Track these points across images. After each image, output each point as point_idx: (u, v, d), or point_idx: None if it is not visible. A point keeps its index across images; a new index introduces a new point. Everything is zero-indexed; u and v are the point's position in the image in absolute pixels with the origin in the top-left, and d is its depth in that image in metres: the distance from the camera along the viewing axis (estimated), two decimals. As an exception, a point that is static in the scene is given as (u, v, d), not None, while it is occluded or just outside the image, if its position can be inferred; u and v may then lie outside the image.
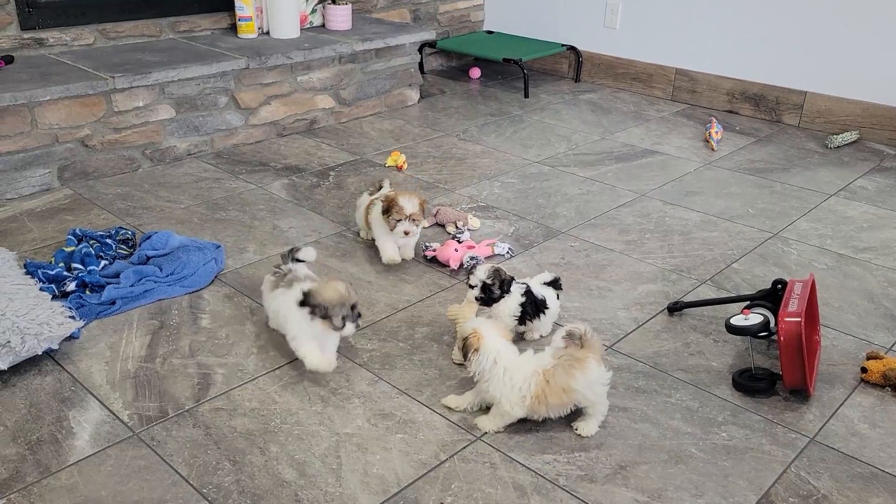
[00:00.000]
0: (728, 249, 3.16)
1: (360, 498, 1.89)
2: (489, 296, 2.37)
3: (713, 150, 4.26)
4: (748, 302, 2.49)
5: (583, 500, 1.89)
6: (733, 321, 2.31)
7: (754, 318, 2.29)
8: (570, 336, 2.06)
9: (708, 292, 2.84)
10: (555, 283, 2.56)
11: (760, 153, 4.24)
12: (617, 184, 3.80)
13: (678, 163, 4.09)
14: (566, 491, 1.92)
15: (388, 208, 2.77)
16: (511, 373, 2.05)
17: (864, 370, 2.34)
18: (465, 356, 2.10)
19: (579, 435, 2.10)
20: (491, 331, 2.11)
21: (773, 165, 4.07)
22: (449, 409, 2.19)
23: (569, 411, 2.09)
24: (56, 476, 1.94)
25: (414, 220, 2.76)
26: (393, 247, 2.91)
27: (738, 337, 2.51)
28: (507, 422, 2.10)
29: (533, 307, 2.44)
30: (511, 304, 2.40)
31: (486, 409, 2.16)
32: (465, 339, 2.10)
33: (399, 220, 2.75)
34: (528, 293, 2.44)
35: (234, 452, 2.03)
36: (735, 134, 4.54)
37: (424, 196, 2.98)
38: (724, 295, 2.80)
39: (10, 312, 2.29)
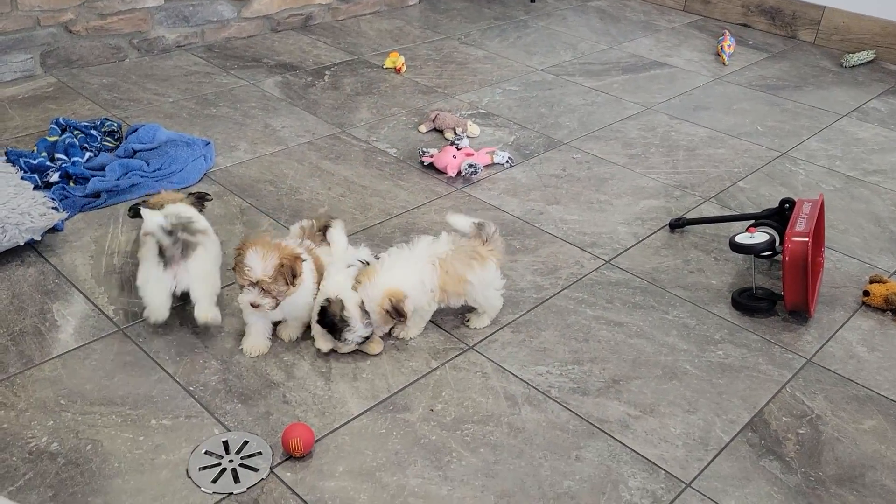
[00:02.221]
0: (734, 167, 3.07)
1: (349, 402, 1.87)
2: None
3: (724, 64, 4.11)
4: (753, 220, 2.42)
5: (574, 412, 1.88)
6: (738, 239, 2.24)
7: (760, 236, 2.22)
8: (479, 227, 2.07)
9: (711, 210, 2.77)
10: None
11: (773, 69, 4.09)
12: (623, 95, 3.66)
13: (687, 76, 3.94)
14: (558, 402, 1.90)
15: (236, 263, 1.90)
16: (418, 279, 2.00)
17: (866, 294, 2.29)
18: (401, 314, 1.96)
19: (469, 327, 2.12)
20: (388, 279, 1.97)
21: (785, 83, 3.93)
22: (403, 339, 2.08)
23: (461, 303, 2.09)
24: (39, 368, 1.90)
25: (264, 289, 1.86)
26: (259, 329, 1.99)
27: (741, 255, 2.46)
28: (426, 319, 2.10)
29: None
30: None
31: None
32: (388, 309, 1.95)
33: (243, 287, 1.88)
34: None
35: (222, 352, 1.99)
36: (748, 48, 4.37)
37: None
38: (727, 213, 2.73)
39: (-11, 201, 2.20)
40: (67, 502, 1.57)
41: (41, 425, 1.74)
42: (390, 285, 1.97)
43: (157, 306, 1.96)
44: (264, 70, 3.66)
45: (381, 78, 3.68)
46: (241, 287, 1.89)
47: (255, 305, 1.88)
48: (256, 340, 1.99)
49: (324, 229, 2.15)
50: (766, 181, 2.98)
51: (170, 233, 1.95)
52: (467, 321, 2.14)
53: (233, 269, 1.93)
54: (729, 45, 4.19)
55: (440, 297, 2.05)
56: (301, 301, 1.96)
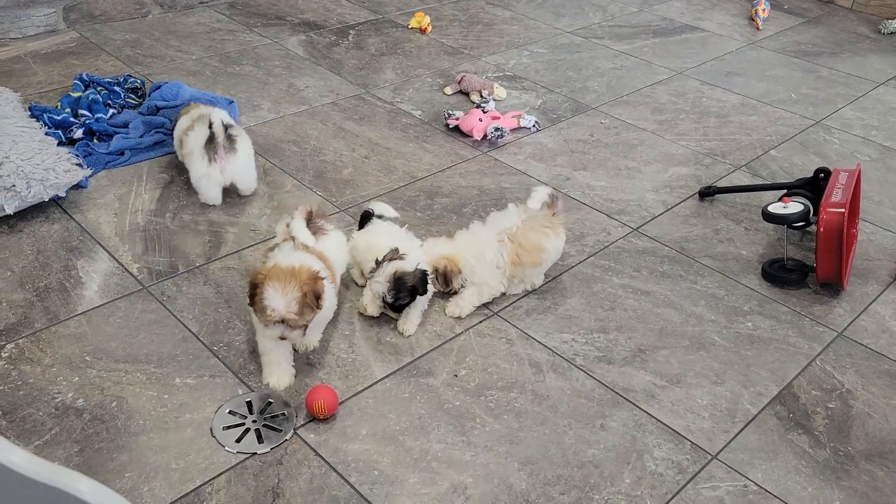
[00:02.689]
0: (766, 135, 3.00)
1: (373, 365, 1.86)
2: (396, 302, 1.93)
3: (758, 28, 4.00)
4: (785, 190, 2.36)
5: (599, 381, 1.85)
6: (771, 208, 2.19)
7: (794, 206, 2.17)
8: (552, 198, 2.09)
9: (742, 178, 2.71)
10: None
11: (808, 35, 3.97)
12: (653, 60, 3.58)
13: (720, 41, 3.84)
14: (583, 371, 1.88)
15: (253, 296, 1.70)
16: (480, 256, 1.99)
17: (900, 267, 2.24)
18: (447, 283, 2.01)
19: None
20: (451, 247, 2.05)
21: (820, 49, 3.81)
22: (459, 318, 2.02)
23: (539, 277, 2.10)
24: (64, 324, 1.90)
25: (290, 325, 1.69)
26: (280, 357, 1.80)
27: (772, 226, 2.40)
28: (485, 299, 2.04)
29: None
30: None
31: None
32: (440, 270, 2.00)
33: (268, 325, 1.70)
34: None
35: (246, 312, 1.97)
36: (783, 13, 4.25)
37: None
38: (759, 182, 2.67)
39: (14, 155, 2.19)
40: (93, 458, 1.58)
41: (67, 381, 1.75)
42: (450, 253, 2.02)
43: (213, 197, 2.34)
44: (288, 28, 3.61)
45: (406, 38, 3.62)
46: (266, 324, 1.70)
47: (283, 338, 1.72)
48: (282, 372, 1.78)
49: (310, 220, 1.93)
50: (800, 150, 2.91)
51: (225, 128, 2.28)
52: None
53: (249, 304, 1.72)
54: (763, 10, 4.07)
55: (513, 272, 2.01)
56: (325, 307, 1.77)
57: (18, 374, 1.76)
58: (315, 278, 1.69)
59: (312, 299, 1.67)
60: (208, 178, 2.30)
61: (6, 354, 1.81)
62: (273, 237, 2.05)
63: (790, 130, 3.04)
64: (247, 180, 2.40)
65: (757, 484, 1.63)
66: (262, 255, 1.87)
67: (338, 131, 2.82)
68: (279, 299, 1.64)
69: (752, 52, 3.73)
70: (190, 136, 2.32)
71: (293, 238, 1.82)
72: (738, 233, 2.42)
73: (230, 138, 2.30)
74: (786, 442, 1.73)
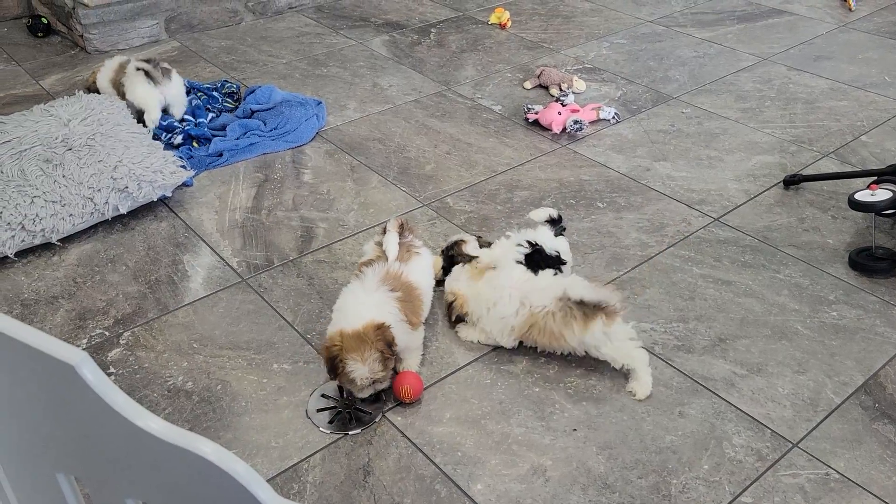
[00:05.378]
0: (857, 120, 2.92)
1: (455, 353, 1.94)
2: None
3: (850, 9, 3.86)
4: (875, 177, 2.31)
5: (678, 370, 1.88)
6: (858, 196, 2.15)
7: (882, 193, 2.12)
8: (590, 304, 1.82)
9: (830, 166, 2.65)
10: (554, 222, 2.15)
11: (905, 14, 3.82)
12: (737, 46, 3.52)
13: (809, 24, 3.73)
14: (661, 359, 1.91)
15: (334, 369, 1.75)
16: (493, 306, 1.90)
17: None
18: (457, 321, 1.98)
19: (635, 397, 1.81)
20: (465, 285, 1.97)
21: (918, 28, 3.66)
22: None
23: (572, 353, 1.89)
24: (174, 314, 2.07)
25: (381, 381, 1.77)
26: None
27: (860, 214, 2.35)
28: (487, 342, 1.95)
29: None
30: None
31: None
32: (452, 305, 1.97)
33: (360, 392, 1.77)
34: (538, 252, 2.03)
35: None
36: (877, -8, 4.09)
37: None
38: (848, 169, 2.61)
39: (126, 160, 2.38)
40: (202, 435, 1.72)
41: (177, 366, 1.91)
42: (465, 293, 1.96)
43: (155, 115, 2.77)
44: (372, 29, 3.74)
45: (486, 34, 3.68)
46: (357, 392, 1.77)
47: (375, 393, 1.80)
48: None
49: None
50: (892, 136, 2.81)
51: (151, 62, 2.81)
52: (631, 393, 1.82)
53: (331, 377, 1.77)
54: (856, -11, 3.93)
55: (523, 335, 1.89)
56: (413, 338, 1.88)
57: (135, 359, 1.93)
58: (382, 333, 1.73)
59: (388, 350, 1.73)
60: (151, 96, 2.75)
61: (124, 342, 1.99)
62: (368, 231, 2.15)
63: (883, 115, 2.94)
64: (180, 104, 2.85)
65: (839, 472, 1.63)
66: (355, 271, 1.94)
67: (420, 128, 2.91)
68: (362, 367, 1.70)
69: (843, 35, 3.61)
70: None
71: (385, 253, 1.91)
72: (824, 221, 2.38)
73: (164, 70, 2.81)
74: (870, 432, 1.72)
